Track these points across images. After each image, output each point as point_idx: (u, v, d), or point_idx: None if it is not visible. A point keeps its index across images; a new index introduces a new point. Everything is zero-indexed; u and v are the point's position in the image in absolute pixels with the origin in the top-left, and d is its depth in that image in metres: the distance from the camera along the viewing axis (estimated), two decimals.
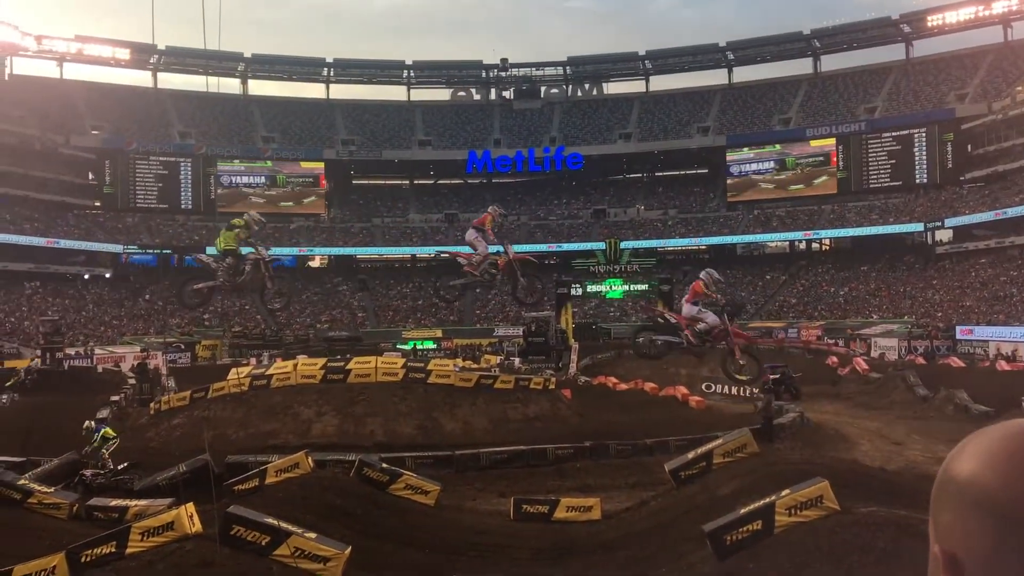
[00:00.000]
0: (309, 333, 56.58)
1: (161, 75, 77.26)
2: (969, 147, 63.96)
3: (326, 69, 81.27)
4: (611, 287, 53.82)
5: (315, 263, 74.05)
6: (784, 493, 10.51)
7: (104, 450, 17.51)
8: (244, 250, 15.24)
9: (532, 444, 21.37)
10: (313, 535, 11.13)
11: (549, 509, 15.38)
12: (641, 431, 22.87)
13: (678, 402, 29.92)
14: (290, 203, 73.64)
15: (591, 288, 54.26)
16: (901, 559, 8.94)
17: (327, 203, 75.40)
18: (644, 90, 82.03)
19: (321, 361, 27.81)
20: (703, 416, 26.71)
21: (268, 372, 26.62)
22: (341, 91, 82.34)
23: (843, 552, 9.48)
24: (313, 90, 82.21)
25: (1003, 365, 36.75)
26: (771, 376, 30.46)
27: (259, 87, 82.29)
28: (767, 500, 10.52)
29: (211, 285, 15.64)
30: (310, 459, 16.02)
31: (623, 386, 34.07)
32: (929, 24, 70.77)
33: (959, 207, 61.21)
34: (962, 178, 63.84)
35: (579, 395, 30.47)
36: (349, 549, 10.94)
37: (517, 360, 44.89)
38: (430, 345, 57.35)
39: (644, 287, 53.62)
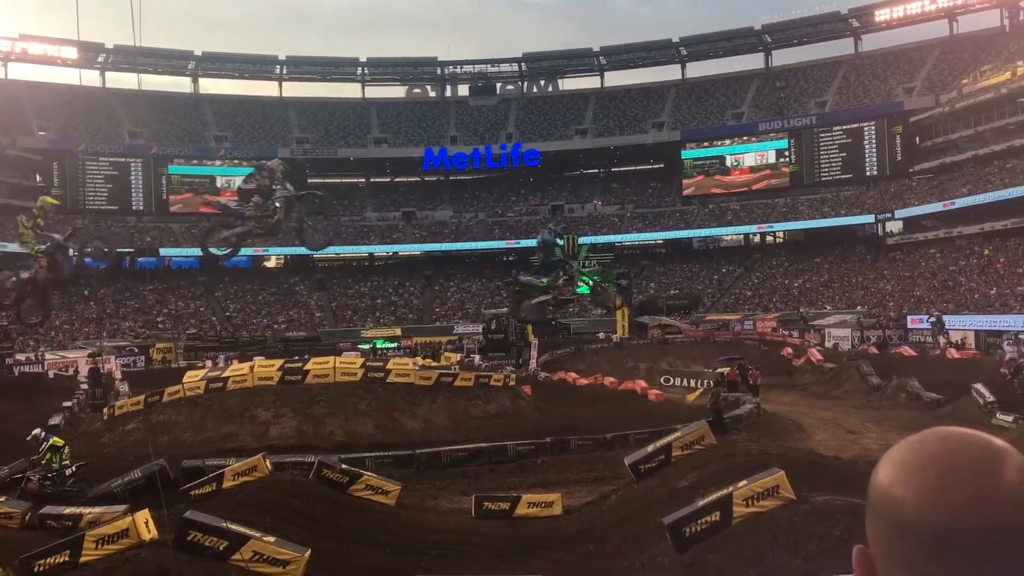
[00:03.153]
0: (266, 334, 55.96)
1: (110, 74, 75.87)
2: (917, 139, 65.23)
3: (279, 67, 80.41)
4: (579, 282, 53.77)
5: (271, 263, 73.30)
6: (741, 484, 10.63)
7: (55, 460, 17.07)
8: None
9: (493, 441, 21.37)
10: (272, 538, 11.01)
11: (510, 506, 15.38)
12: (601, 426, 22.99)
13: (637, 396, 30.09)
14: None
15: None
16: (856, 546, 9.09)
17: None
18: (599, 86, 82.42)
19: (278, 362, 27.54)
20: (662, 409, 26.90)
21: (224, 374, 26.28)
22: (295, 89, 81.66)
23: (799, 541, 9.62)
24: (266, 88, 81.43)
25: (953, 353, 37.54)
26: (733, 367, 30.84)
27: (211, 86, 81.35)
28: (725, 491, 10.63)
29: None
30: (268, 462, 15.85)
31: (583, 381, 34.22)
32: (877, 19, 72.01)
33: (908, 199, 62.40)
34: (911, 170, 65.07)
35: (539, 391, 30.53)
36: (309, 552, 10.84)
37: (477, 357, 44.92)
38: (386, 344, 57.03)
39: (607, 282, 53.66)
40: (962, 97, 61.77)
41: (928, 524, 0.89)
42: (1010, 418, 22.28)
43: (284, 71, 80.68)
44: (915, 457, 0.94)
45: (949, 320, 45.41)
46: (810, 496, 10.68)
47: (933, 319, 43.79)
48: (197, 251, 68.13)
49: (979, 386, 25.32)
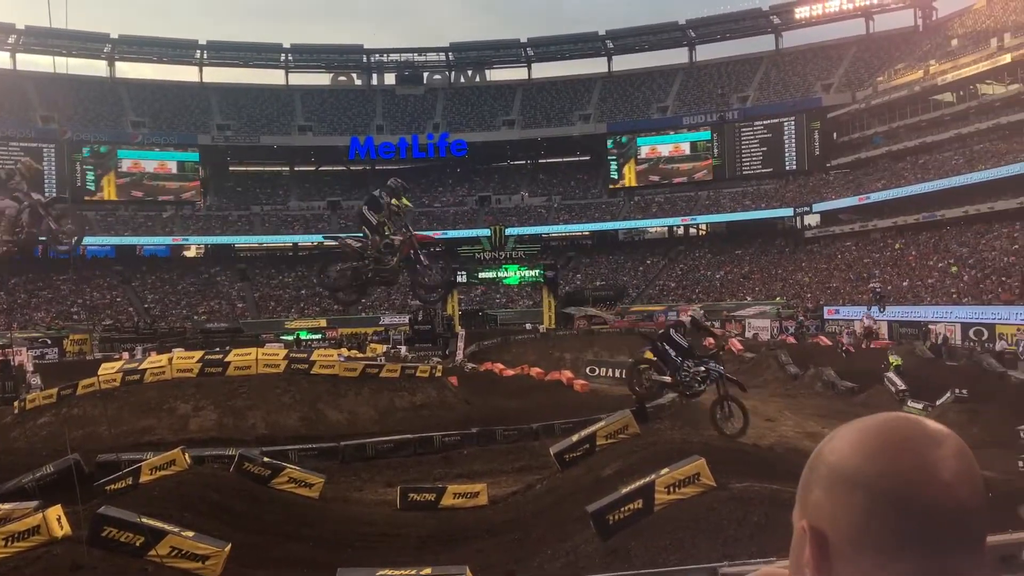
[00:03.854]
0: (185, 325, 54.71)
1: (21, 56, 72.99)
2: (835, 135, 67.15)
3: (199, 51, 78.41)
4: (507, 273, 54.07)
5: (191, 253, 71.59)
6: (663, 472, 10.79)
7: None
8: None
9: (419, 432, 21.30)
10: (191, 533, 10.77)
11: (436, 497, 15.35)
12: (527, 416, 23.10)
13: (563, 386, 30.31)
14: (163, 190, 70.80)
15: (484, 275, 54.36)
16: (774, 531, 9.32)
17: (202, 190, 72.93)
18: (527, 77, 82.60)
19: (198, 354, 26.92)
20: (588, 399, 27.14)
21: (141, 367, 25.59)
22: (216, 74, 79.89)
23: (719, 527, 9.81)
24: (186, 73, 79.37)
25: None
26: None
27: (128, 70, 79.00)
28: (647, 479, 10.77)
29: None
30: (187, 455, 15.49)
31: (509, 372, 34.33)
32: (797, 16, 73.75)
33: (826, 193, 64.17)
34: (828, 165, 66.94)
35: (466, 382, 30.52)
36: (229, 546, 10.63)
37: (403, 348, 44.65)
38: (310, 335, 56.32)
39: (534, 273, 54.13)
40: (877, 94, 63.75)
41: (921, 498, 0.94)
42: (920, 405, 23.15)
43: (205, 56, 78.72)
44: (875, 433, 1.00)
45: (863, 312, 46.85)
46: (730, 483, 10.90)
47: (877, 291, 43.57)
48: (114, 239, 66.95)
49: (891, 374, 26.23)
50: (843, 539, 0.97)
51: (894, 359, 41.52)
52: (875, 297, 42.62)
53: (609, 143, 73.69)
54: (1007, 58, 53.90)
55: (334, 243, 15.48)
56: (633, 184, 73.11)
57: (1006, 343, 34.66)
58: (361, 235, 13.76)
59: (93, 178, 68.64)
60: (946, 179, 53.95)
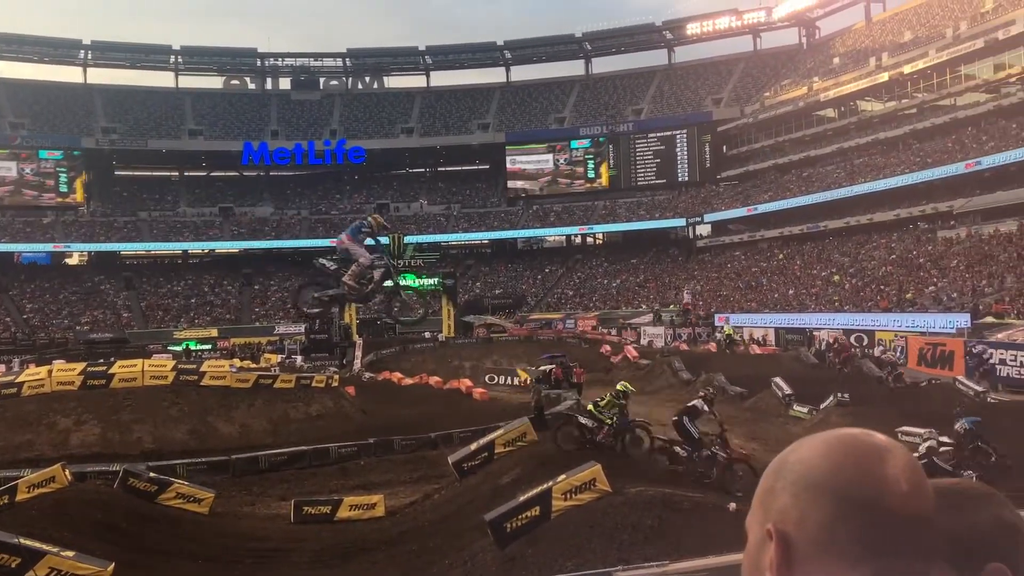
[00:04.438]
0: (67, 336, 52.33)
1: None
2: (724, 148, 69.37)
3: (83, 51, 75.26)
4: (405, 282, 53.50)
5: (73, 260, 68.60)
6: (560, 478, 10.87)
7: None
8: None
9: (314, 444, 20.89)
10: (71, 553, 10.30)
11: (331, 509, 15.10)
12: (426, 425, 22.94)
13: (462, 394, 30.26)
14: (43, 194, 67.61)
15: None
16: (668, 534, 9.51)
17: (86, 195, 69.96)
18: (425, 85, 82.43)
19: (80, 366, 25.80)
20: (486, 407, 27.17)
21: (19, 379, 24.35)
22: (101, 75, 76.70)
23: (615, 531, 9.94)
24: (69, 73, 75.98)
25: (755, 349, 40.05)
26: (549, 366, 31.47)
27: (6, 69, 74.83)
28: (544, 486, 10.84)
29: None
30: (68, 472, 14.79)
31: (408, 381, 34.06)
32: (688, 32, 75.90)
33: (716, 204, 66.15)
34: (719, 177, 69.05)
35: (363, 392, 30.15)
36: (112, 565, 10.21)
37: (299, 358, 43.83)
38: (199, 346, 54.69)
39: (433, 281, 53.87)
40: (764, 109, 66.16)
41: (877, 508, 1.00)
42: (805, 409, 24.01)
43: (89, 56, 75.62)
44: (837, 445, 1.05)
45: (751, 319, 48.45)
46: (625, 488, 11.06)
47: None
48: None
49: (778, 379, 27.11)
50: (808, 543, 1.01)
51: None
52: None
53: (508, 152, 74.01)
54: (884, 76, 56.76)
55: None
56: (531, 193, 73.72)
57: (884, 349, 36.32)
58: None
59: None
60: (828, 192, 56.39)
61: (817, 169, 61.04)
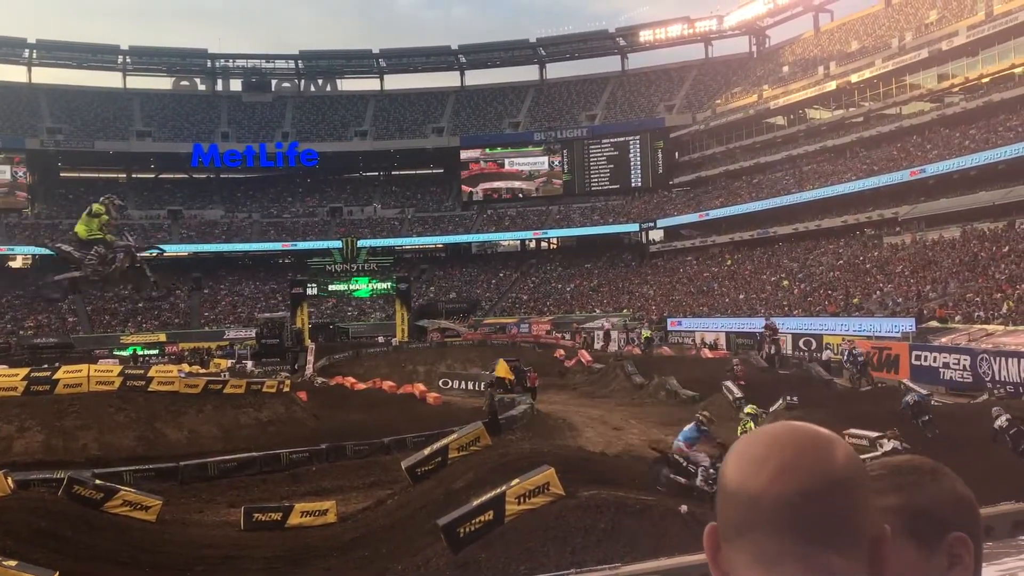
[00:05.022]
0: (10, 340, 51.04)
1: None
2: (677, 154, 70.11)
3: (28, 50, 73.63)
4: (358, 285, 53.32)
5: (16, 263, 66.97)
6: (514, 482, 10.87)
7: None
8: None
9: (265, 450, 20.62)
10: (13, 563, 10.03)
11: (282, 516, 14.92)
12: (379, 430, 22.78)
13: (416, 399, 30.17)
14: None
15: (334, 287, 53.40)
16: (620, 536, 9.55)
17: (30, 197, 68.36)
18: (379, 88, 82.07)
19: (24, 371, 25.14)
20: (440, 412, 27.08)
21: None
22: (46, 75, 75.16)
23: (568, 534, 9.96)
24: (13, 73, 74.23)
25: (707, 353, 40.48)
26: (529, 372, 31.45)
27: None
28: (498, 490, 10.82)
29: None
30: (10, 479, 14.43)
31: (361, 386, 33.85)
32: (641, 39, 76.64)
33: (669, 209, 66.81)
34: (671, 182, 69.78)
35: (316, 397, 29.87)
36: (56, 574, 9.95)
37: (250, 363, 43.27)
38: (146, 351, 53.75)
39: (387, 286, 53.66)
40: (716, 116, 67.01)
41: (745, 493, 1.07)
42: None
43: (34, 55, 74.01)
44: (748, 440, 1.13)
45: (703, 323, 48.99)
46: (578, 491, 11.09)
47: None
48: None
49: (728, 383, 27.44)
50: (721, 532, 1.11)
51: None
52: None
53: (462, 156, 73.97)
54: (832, 85, 57.87)
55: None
56: (485, 197, 73.72)
57: (832, 352, 36.93)
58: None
59: None
60: (778, 198, 57.31)
61: (767, 176, 61.98)
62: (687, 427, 15.31)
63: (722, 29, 75.13)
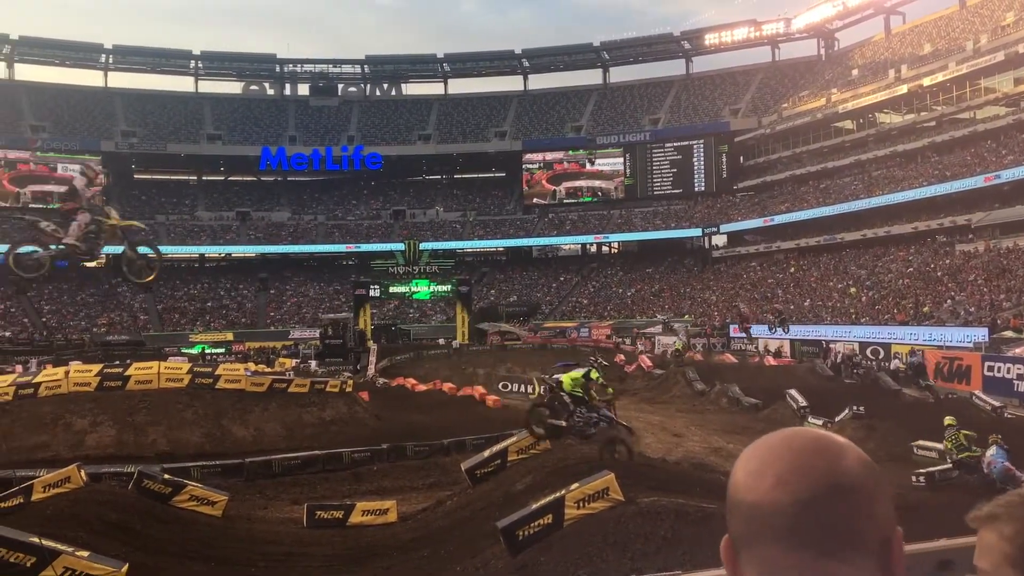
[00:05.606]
0: (84, 338, 52.64)
1: None
2: (741, 159, 69.22)
3: (105, 55, 76.00)
4: (419, 288, 53.87)
5: (91, 262, 68.98)
6: (573, 487, 10.85)
7: None
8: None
9: (328, 448, 20.93)
10: (86, 553, 10.35)
11: (344, 514, 15.11)
12: (439, 432, 22.95)
13: (475, 401, 30.29)
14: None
15: (395, 289, 54.00)
16: (680, 545, 9.47)
17: (105, 198, 70.45)
18: (443, 92, 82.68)
19: (97, 367, 25.93)
20: (500, 414, 27.16)
21: (35, 380, 24.50)
22: (122, 80, 77.40)
23: (628, 540, 9.91)
24: (90, 77, 76.73)
25: (770, 360, 39.87)
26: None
27: (28, 72, 75.76)
28: (557, 494, 10.82)
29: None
30: (83, 472, 14.88)
31: (422, 387, 34.12)
32: (707, 42, 75.87)
33: (733, 214, 65.99)
34: (735, 187, 68.91)
35: (377, 397, 30.21)
36: (126, 566, 10.25)
37: (314, 363, 43.95)
38: (212, 349, 54.96)
39: (447, 288, 54.07)
40: (782, 120, 65.99)
41: (747, 503, 1.06)
42: (820, 421, 23.87)
43: (110, 60, 76.34)
44: (753, 448, 1.12)
45: (766, 330, 48.17)
46: (638, 497, 11.03)
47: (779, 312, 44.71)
48: (6, 247, 63.52)
49: (793, 391, 26.99)
50: (734, 539, 1.10)
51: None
52: (777, 319, 43.75)
53: (524, 160, 74.12)
54: (903, 88, 56.52)
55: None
56: (547, 201, 73.72)
57: (900, 362, 36.09)
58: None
59: None
60: (846, 203, 56.17)
61: (835, 181, 60.82)
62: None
63: (789, 32, 73.99)
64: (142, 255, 14.22)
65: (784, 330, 41.87)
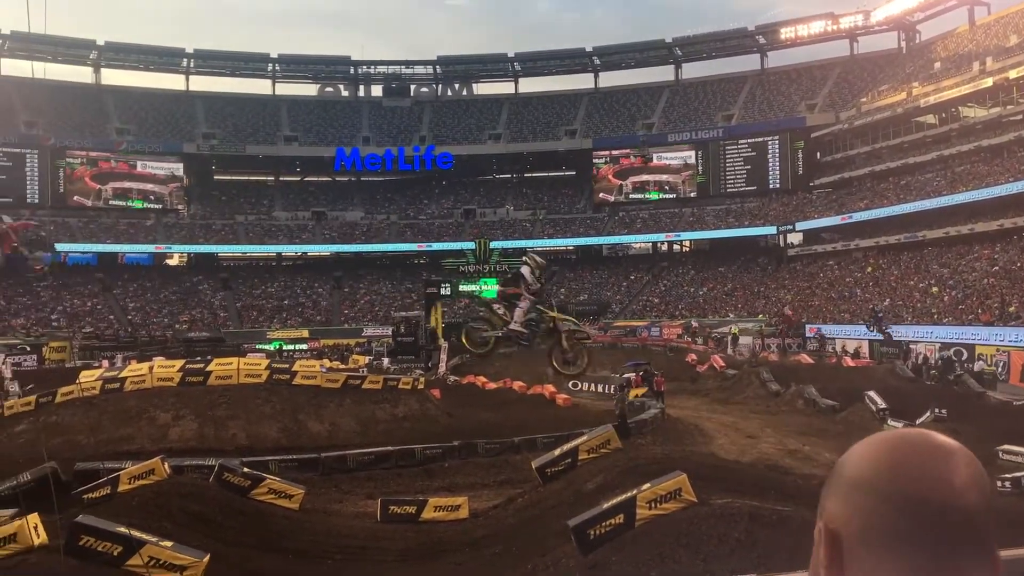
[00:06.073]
0: (167, 334, 54.31)
1: (5, 61, 72.50)
2: (818, 155, 67.67)
3: (186, 60, 78.18)
4: (487, 286, 54.09)
5: (173, 261, 71.20)
6: (645, 487, 10.81)
7: None
8: None
9: (400, 445, 21.23)
10: (169, 543, 10.71)
11: (416, 509, 15.31)
12: (509, 429, 23.08)
13: (545, 400, 30.34)
14: (147, 198, 70.36)
15: (464, 287, 54.33)
16: (755, 548, 9.35)
17: (187, 198, 72.63)
18: (514, 92, 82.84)
19: (179, 363, 26.79)
20: (570, 413, 27.18)
21: (121, 375, 25.42)
22: (202, 83, 79.54)
23: (700, 542, 9.83)
24: (172, 81, 79.04)
25: (848, 361, 39.00)
26: (637, 373, 31.22)
27: (113, 76, 78.40)
28: (628, 494, 10.79)
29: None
30: (166, 465, 15.39)
31: (492, 385, 34.29)
32: (782, 36, 74.41)
33: (809, 211, 64.60)
34: (811, 184, 67.42)
35: (448, 395, 30.49)
36: (208, 557, 10.58)
37: (386, 360, 44.54)
38: (289, 346, 56.09)
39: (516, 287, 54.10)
40: (860, 115, 64.34)
41: (926, 503, 1.03)
42: (900, 424, 23.26)
43: (191, 64, 78.52)
44: (908, 444, 1.09)
45: (844, 330, 47.17)
46: (711, 499, 10.93)
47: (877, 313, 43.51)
48: (96, 246, 66.53)
49: (872, 393, 26.36)
50: (855, 539, 1.06)
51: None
52: (874, 319, 42.55)
53: (595, 158, 73.84)
54: (988, 82, 54.59)
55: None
56: (618, 199, 73.26)
57: (985, 363, 34.93)
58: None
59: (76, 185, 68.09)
60: (927, 200, 54.49)
61: (916, 177, 59.06)
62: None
63: (868, 25, 72.05)
64: (577, 338, 14.78)
65: (881, 331, 40.61)
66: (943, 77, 60.22)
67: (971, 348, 37.09)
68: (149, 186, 70.28)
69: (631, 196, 73.12)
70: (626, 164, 73.39)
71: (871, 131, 63.17)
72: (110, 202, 68.84)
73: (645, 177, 73.23)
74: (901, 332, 43.09)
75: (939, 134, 59.04)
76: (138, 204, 69.70)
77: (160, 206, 70.49)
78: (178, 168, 71.45)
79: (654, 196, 72.76)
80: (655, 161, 72.93)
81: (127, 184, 69.69)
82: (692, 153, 71.78)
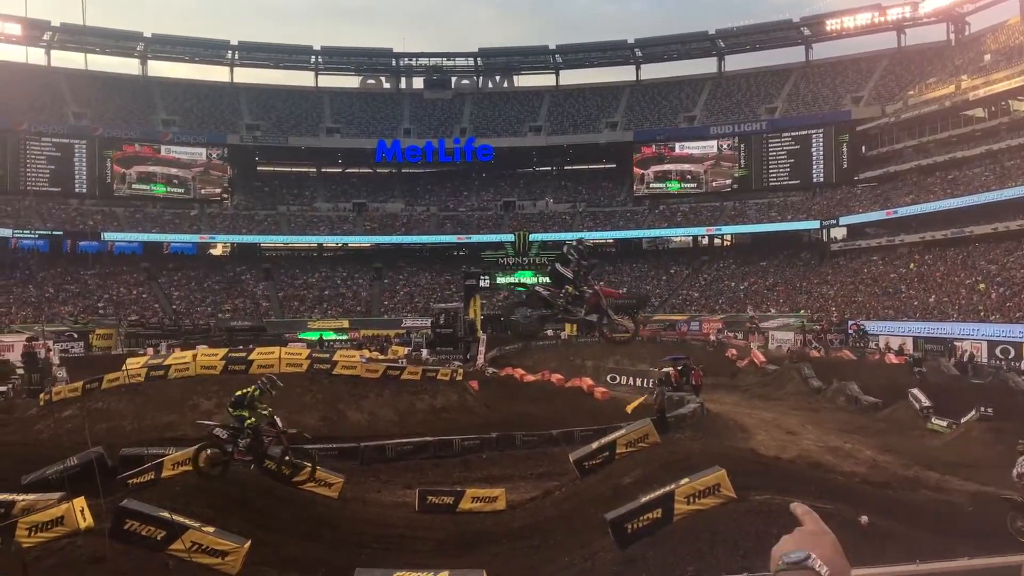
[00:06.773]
0: (210, 323, 55.09)
1: (56, 53, 73.94)
2: (863, 148, 66.59)
3: (230, 52, 79.12)
4: (525, 279, 54.18)
5: (217, 251, 72.19)
6: (683, 482, 10.75)
7: None
8: None
9: (439, 435, 21.34)
10: (211, 529, 10.87)
11: (454, 500, 15.39)
12: (547, 422, 23.08)
13: (583, 393, 30.28)
14: (192, 188, 71.35)
15: (502, 280, 54.46)
16: None
17: (230, 189, 73.53)
18: (554, 84, 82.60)
19: (222, 351, 27.14)
20: (608, 407, 27.10)
21: (166, 362, 25.83)
22: (246, 75, 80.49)
23: (739, 539, 9.76)
24: (217, 73, 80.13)
25: (891, 358, 38.39)
26: (675, 367, 30.97)
27: (160, 68, 79.68)
28: (667, 489, 10.74)
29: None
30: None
31: (530, 377, 34.28)
32: (828, 28, 73.28)
33: (853, 206, 63.65)
34: (856, 178, 66.39)
35: (486, 386, 30.52)
36: (249, 543, 10.72)
37: (425, 351, 44.72)
38: (332, 336, 56.59)
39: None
40: (907, 108, 63.21)
41: None
42: (944, 423, 22.90)
43: (236, 56, 79.43)
44: None
45: (888, 327, 46.47)
46: (750, 495, 10.85)
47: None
48: (141, 235, 67.71)
49: (915, 391, 25.95)
50: None
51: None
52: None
53: (635, 151, 73.41)
54: None
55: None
56: (658, 192, 72.74)
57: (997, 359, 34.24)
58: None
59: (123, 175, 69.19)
60: (975, 195, 53.39)
61: (964, 171, 57.89)
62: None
63: (916, 16, 70.68)
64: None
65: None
66: (993, 70, 58.92)
67: (1018, 346, 36.33)
68: (173, 170, 70.70)
69: (652, 186, 72.53)
70: (648, 153, 72.83)
71: (918, 125, 62.04)
72: (133, 186, 69.44)
73: (666, 167, 72.59)
74: (946, 329, 42.38)
75: (988, 128, 57.82)
76: (160, 189, 70.12)
77: (182, 191, 70.90)
78: (200, 153, 71.54)
79: (675, 187, 72.06)
80: (677, 150, 72.25)
81: (151, 168, 70.20)
82: (714, 143, 70.98)
